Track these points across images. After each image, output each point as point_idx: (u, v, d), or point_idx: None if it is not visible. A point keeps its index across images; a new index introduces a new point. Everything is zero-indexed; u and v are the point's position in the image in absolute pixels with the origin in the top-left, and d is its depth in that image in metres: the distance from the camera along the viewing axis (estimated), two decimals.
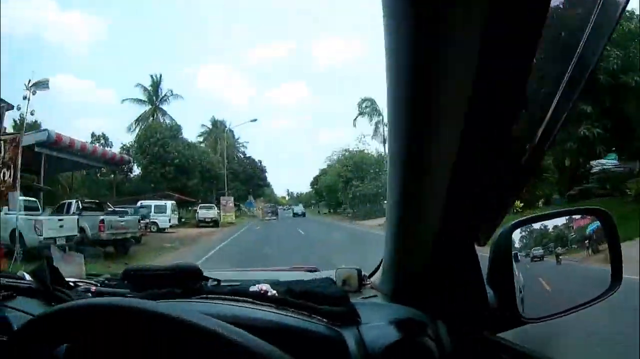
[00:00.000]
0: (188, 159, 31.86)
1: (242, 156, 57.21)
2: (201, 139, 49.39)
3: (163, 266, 1.15)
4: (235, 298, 1.00)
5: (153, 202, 24.09)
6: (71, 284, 1.14)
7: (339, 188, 43.45)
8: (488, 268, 0.99)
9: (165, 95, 39.46)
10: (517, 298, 0.95)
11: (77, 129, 59.96)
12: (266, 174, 56.32)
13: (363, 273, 1.22)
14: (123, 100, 38.01)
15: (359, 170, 36.17)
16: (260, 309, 0.96)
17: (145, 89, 38.86)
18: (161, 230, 22.02)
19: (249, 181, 52.95)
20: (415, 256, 0.97)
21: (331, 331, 0.92)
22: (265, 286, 1.03)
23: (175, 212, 25.82)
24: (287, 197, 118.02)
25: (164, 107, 39.60)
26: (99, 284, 1.20)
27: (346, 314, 0.96)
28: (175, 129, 33.79)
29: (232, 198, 35.03)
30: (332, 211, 56.33)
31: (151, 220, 21.80)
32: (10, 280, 1.16)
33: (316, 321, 0.94)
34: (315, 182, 62.20)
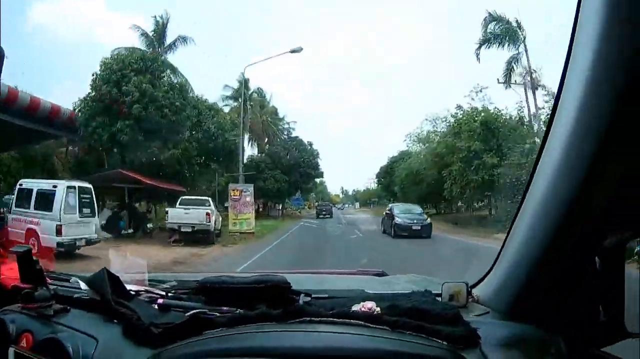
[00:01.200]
0: (167, 108, 16.45)
1: (287, 137, 42.04)
2: (225, 106, 35.10)
3: (244, 277, 1.07)
4: (344, 321, 0.93)
5: (37, 185, 10.63)
6: (132, 292, 1.06)
7: (430, 175, 26.77)
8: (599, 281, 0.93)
9: (174, 42, 25.00)
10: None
11: None
12: (319, 160, 40.54)
13: (469, 287, 1.14)
14: (114, 49, 22.56)
15: (492, 137, 18.77)
16: (375, 336, 0.90)
17: (145, 34, 24.65)
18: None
19: (294, 168, 38.10)
20: (540, 268, 0.93)
21: (454, 355, 0.88)
22: (369, 304, 0.98)
23: (90, 210, 10.63)
24: (340, 196, 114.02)
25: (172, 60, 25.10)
26: (165, 294, 1.11)
27: (467, 335, 0.91)
28: (154, 60, 18.52)
29: (252, 187, 19.70)
30: None
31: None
32: (63, 287, 1.12)
33: (437, 344, 0.89)
34: (385, 173, 45.93)
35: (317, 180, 54.25)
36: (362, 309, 0.97)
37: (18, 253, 1.04)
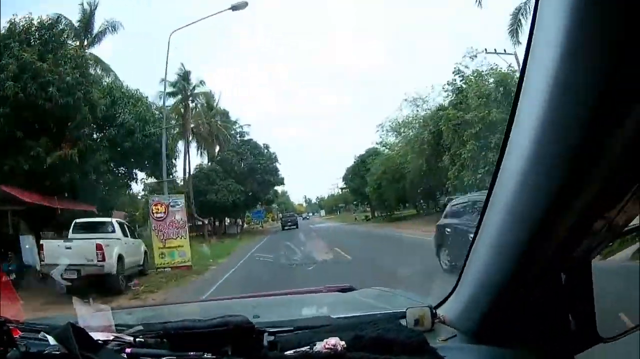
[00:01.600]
0: (55, 85, 10.58)
1: (239, 140, 36.39)
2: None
3: (209, 320, 1.05)
4: None
5: None
6: (100, 341, 1.06)
7: (415, 167, 22.33)
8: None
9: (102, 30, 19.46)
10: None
11: None
12: (277, 164, 35.26)
13: (435, 310, 1.13)
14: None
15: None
16: None
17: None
18: None
19: (250, 176, 32.54)
20: (506, 286, 0.89)
21: None
22: (333, 341, 0.98)
23: None
24: (304, 205, 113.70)
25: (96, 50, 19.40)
26: (133, 341, 1.09)
27: None
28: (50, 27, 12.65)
29: (181, 199, 13.47)
30: (383, 213, 35.77)
31: None
32: (31, 339, 1.10)
33: None
34: (353, 174, 41.31)
35: (279, 190, 50.85)
36: (326, 346, 0.98)
37: None
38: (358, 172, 40.32)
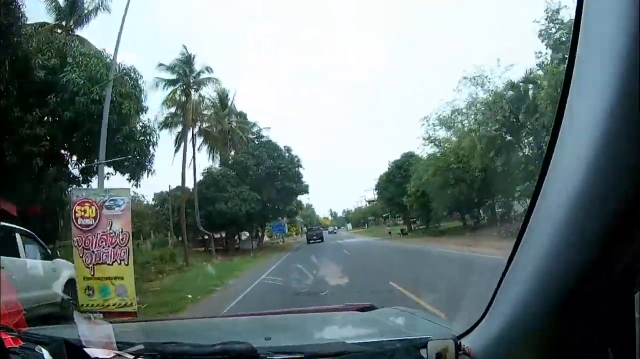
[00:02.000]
0: None
1: (256, 142, 31.52)
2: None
3: (210, 346, 1.03)
4: None
5: None
6: None
7: (477, 168, 17.13)
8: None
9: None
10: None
11: None
12: (301, 169, 30.18)
13: (459, 341, 1.02)
14: None
15: None
16: None
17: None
18: None
19: (269, 182, 27.52)
20: (549, 318, 0.77)
21: None
22: None
23: None
24: (330, 218, 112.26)
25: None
26: None
27: None
28: None
29: (127, 195, 7.55)
30: (422, 226, 33.03)
31: None
32: (29, 351, 1.08)
33: None
34: (387, 182, 35.74)
35: (304, 202, 46.73)
36: None
37: None
38: (393, 180, 34.70)
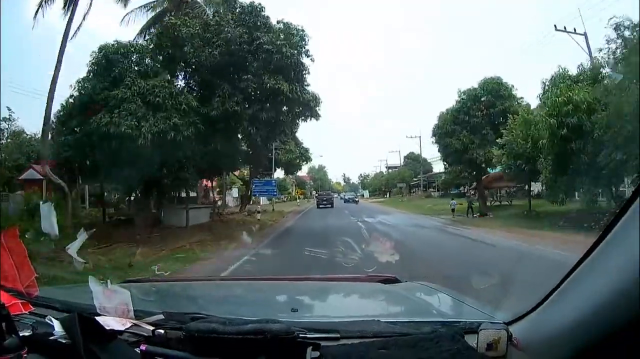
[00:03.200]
0: None
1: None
2: None
3: (241, 324, 0.92)
4: None
5: None
6: (113, 332, 0.98)
7: None
8: None
9: None
10: None
11: None
12: (307, 59, 13.96)
13: (510, 331, 0.96)
14: None
15: None
16: None
17: None
18: None
19: (237, 71, 12.11)
20: (630, 327, 0.69)
21: None
22: None
23: None
24: (342, 184, 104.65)
25: None
26: (152, 334, 1.01)
27: None
28: None
29: None
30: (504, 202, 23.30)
31: None
32: (39, 318, 1.06)
33: None
34: (452, 123, 20.18)
35: (314, 161, 41.57)
36: None
37: None
38: (465, 120, 19.57)
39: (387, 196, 59.36)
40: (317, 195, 44.75)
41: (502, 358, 0.93)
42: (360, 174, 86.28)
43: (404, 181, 50.60)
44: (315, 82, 29.95)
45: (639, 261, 0.63)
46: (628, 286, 0.66)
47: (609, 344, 0.72)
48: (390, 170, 65.26)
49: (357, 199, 46.92)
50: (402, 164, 62.02)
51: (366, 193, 74.27)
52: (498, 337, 0.93)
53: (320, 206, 34.56)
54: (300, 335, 0.93)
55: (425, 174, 46.33)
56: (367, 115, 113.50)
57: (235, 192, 33.37)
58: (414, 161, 56.12)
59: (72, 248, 1.73)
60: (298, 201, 55.84)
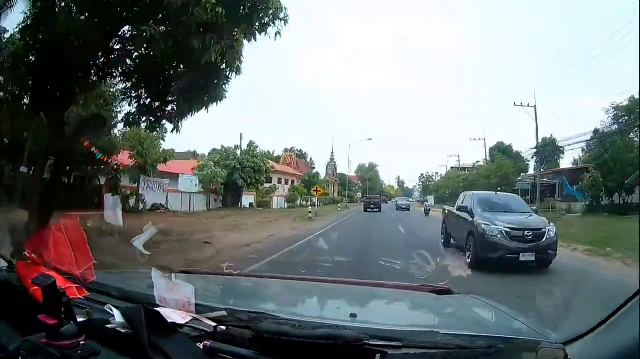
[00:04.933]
0: None
1: None
2: None
3: (312, 329, 0.95)
4: None
5: None
6: (178, 323, 0.99)
7: None
8: None
9: None
10: None
11: None
12: None
13: (567, 352, 0.94)
14: None
15: None
16: None
17: None
18: None
19: None
20: None
21: None
22: None
23: None
24: (395, 187, 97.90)
25: None
26: (214, 330, 1.01)
27: None
28: None
29: None
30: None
31: None
32: (96, 305, 1.07)
33: None
34: None
35: (365, 161, 56.86)
36: None
37: (41, 286, 0.94)
38: None
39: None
40: (365, 199, 42.09)
41: None
42: (422, 175, 66.70)
43: (505, 181, 31.18)
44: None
45: None
46: None
47: None
48: (467, 169, 46.74)
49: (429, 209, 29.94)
50: (488, 159, 43.50)
51: (431, 199, 55.20)
52: (555, 357, 0.92)
53: (368, 210, 31.91)
54: (367, 341, 0.93)
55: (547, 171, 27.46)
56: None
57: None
58: (504, 154, 38.04)
59: (139, 241, 1.61)
60: (338, 206, 39.80)
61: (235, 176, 29.23)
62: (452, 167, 55.04)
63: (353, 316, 1.30)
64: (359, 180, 77.21)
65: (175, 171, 26.56)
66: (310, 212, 21.26)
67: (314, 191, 27.86)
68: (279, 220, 19.85)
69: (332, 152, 67.19)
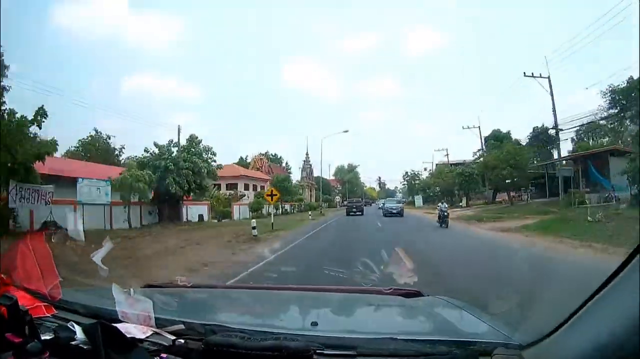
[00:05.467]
0: None
1: None
2: None
3: (260, 340, 0.96)
4: None
5: None
6: (134, 340, 1.00)
7: None
8: None
9: None
10: None
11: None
12: None
13: (522, 355, 0.95)
14: None
15: None
16: None
17: None
18: None
19: None
20: None
21: None
22: None
23: None
24: (376, 189, 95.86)
25: None
26: (172, 343, 1.04)
27: None
28: None
29: None
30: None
31: None
32: (61, 322, 1.07)
33: None
34: None
35: (344, 162, 60.81)
36: None
37: (4, 305, 0.97)
38: None
39: (463, 203, 34.23)
40: (347, 203, 40.58)
41: None
42: (406, 173, 59.66)
43: (518, 171, 24.64)
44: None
45: None
46: None
47: None
48: (458, 165, 40.45)
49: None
50: (483, 149, 37.40)
51: (419, 200, 48.66)
52: None
53: (351, 214, 32.68)
54: (318, 351, 0.97)
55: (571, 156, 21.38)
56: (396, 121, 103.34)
57: None
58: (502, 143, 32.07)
59: (97, 256, 1.64)
60: (309, 213, 33.77)
61: (168, 180, 21.87)
62: (437, 164, 49.11)
63: (314, 324, 1.30)
64: (338, 183, 73.23)
65: (75, 175, 19.08)
66: (254, 228, 13.89)
67: (267, 196, 20.56)
68: (204, 243, 12.57)
69: (307, 154, 60.78)
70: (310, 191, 59.11)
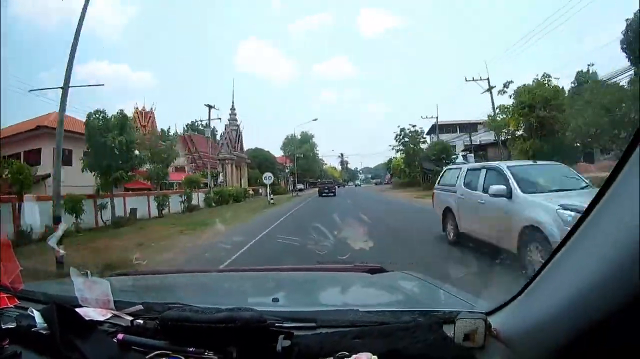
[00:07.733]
0: None
1: None
2: None
3: (213, 312, 0.94)
4: None
5: None
6: (92, 322, 1.01)
7: None
8: None
9: None
10: None
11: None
12: None
13: (488, 320, 0.92)
14: None
15: None
16: None
17: None
18: None
19: None
20: (623, 314, 0.64)
21: None
22: (364, 357, 0.84)
23: None
24: (339, 169, 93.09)
25: None
26: (131, 324, 1.04)
27: None
28: None
29: None
30: None
31: None
32: (23, 311, 1.10)
33: None
34: None
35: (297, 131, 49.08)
36: None
37: None
38: None
39: (385, 183, 37.37)
40: (319, 184, 41.57)
41: (480, 349, 0.89)
42: (402, 130, 40.73)
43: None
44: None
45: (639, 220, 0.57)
46: (623, 258, 0.61)
47: (600, 331, 0.66)
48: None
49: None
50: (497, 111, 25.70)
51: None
52: (475, 327, 0.90)
53: (323, 195, 34.53)
54: (276, 324, 0.93)
55: None
56: (351, 101, 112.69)
57: None
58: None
59: (52, 240, 1.64)
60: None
61: None
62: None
63: (275, 300, 1.31)
64: (287, 161, 55.69)
65: None
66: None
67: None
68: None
69: (233, 107, 40.59)
70: (240, 170, 40.33)
